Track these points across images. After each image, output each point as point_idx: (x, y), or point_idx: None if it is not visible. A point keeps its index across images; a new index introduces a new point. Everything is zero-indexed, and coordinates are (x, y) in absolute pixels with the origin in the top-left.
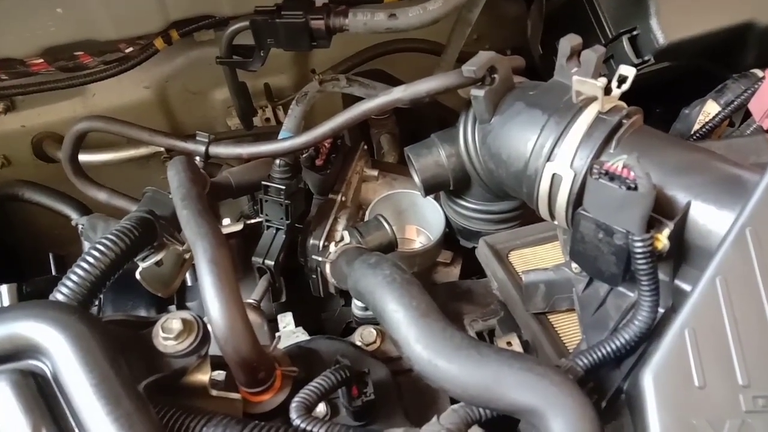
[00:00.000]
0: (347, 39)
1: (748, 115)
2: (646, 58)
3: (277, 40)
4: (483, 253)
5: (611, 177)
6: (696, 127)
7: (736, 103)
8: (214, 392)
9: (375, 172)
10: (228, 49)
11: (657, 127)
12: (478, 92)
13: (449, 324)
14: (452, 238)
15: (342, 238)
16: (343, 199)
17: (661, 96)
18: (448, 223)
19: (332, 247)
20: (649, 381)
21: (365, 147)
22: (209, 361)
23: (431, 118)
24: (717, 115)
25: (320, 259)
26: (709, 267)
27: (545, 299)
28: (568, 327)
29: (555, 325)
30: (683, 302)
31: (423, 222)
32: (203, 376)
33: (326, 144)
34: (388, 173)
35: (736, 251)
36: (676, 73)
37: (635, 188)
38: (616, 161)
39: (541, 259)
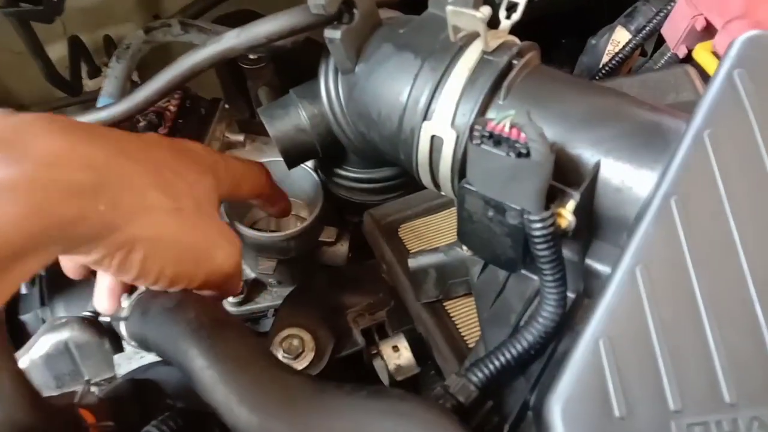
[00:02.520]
0: None
1: (662, 42)
2: None
3: None
4: (368, 229)
5: (497, 141)
6: (605, 59)
7: (647, 28)
8: None
9: (241, 137)
10: None
11: (565, 61)
12: (332, 34)
13: (283, 369)
14: (336, 211)
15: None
16: None
17: (569, 25)
18: (329, 194)
19: (124, 301)
20: (556, 413)
21: (226, 106)
22: None
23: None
24: (627, 44)
25: (108, 320)
26: (625, 254)
27: (437, 286)
28: (468, 314)
29: (452, 314)
30: (595, 304)
31: (301, 194)
32: None
33: (171, 107)
34: (257, 137)
35: (658, 231)
36: None
37: (527, 154)
38: (502, 119)
39: (436, 230)
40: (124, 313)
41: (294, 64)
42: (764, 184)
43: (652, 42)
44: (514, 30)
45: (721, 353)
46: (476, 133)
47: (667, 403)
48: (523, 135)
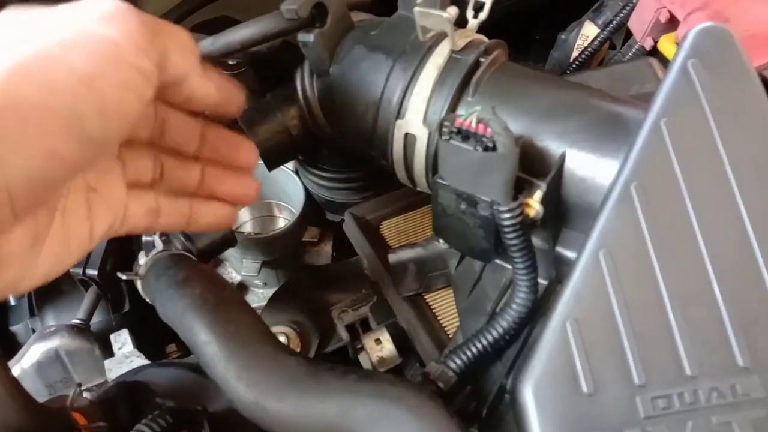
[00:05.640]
0: None
1: (629, 35)
2: None
3: None
4: (350, 227)
5: (465, 136)
6: (575, 53)
7: (615, 22)
8: None
9: None
10: None
11: (539, 55)
12: (306, 37)
13: (280, 349)
14: (318, 211)
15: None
16: None
17: (542, 20)
18: (309, 195)
19: (141, 258)
20: (528, 393)
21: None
22: None
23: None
24: (596, 37)
25: (125, 277)
26: (589, 239)
27: (417, 279)
28: (447, 306)
29: (432, 306)
30: (562, 287)
31: (283, 196)
32: None
33: None
34: None
35: (620, 216)
36: None
37: (494, 147)
38: (469, 115)
39: (417, 226)
40: (140, 271)
41: (273, 67)
42: (719, 168)
43: (620, 35)
44: (491, 27)
45: (682, 330)
46: (445, 129)
47: (632, 379)
48: (489, 129)
